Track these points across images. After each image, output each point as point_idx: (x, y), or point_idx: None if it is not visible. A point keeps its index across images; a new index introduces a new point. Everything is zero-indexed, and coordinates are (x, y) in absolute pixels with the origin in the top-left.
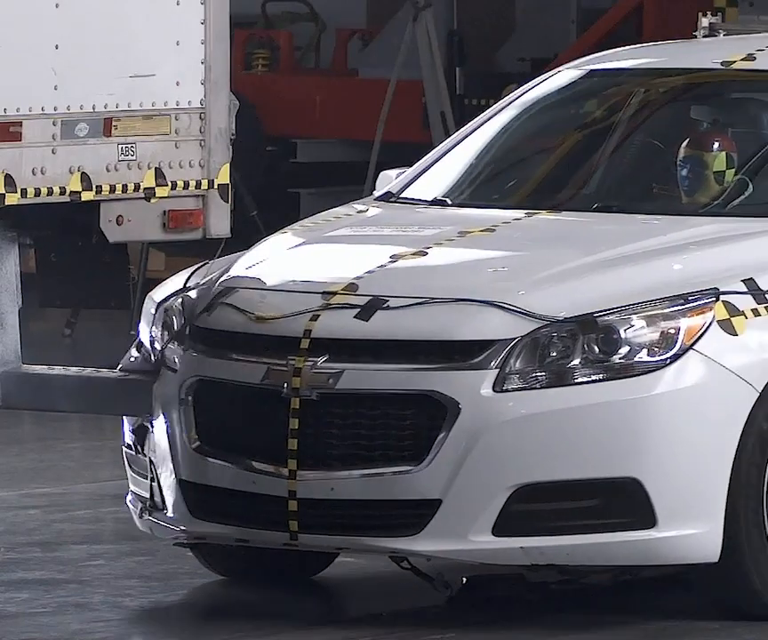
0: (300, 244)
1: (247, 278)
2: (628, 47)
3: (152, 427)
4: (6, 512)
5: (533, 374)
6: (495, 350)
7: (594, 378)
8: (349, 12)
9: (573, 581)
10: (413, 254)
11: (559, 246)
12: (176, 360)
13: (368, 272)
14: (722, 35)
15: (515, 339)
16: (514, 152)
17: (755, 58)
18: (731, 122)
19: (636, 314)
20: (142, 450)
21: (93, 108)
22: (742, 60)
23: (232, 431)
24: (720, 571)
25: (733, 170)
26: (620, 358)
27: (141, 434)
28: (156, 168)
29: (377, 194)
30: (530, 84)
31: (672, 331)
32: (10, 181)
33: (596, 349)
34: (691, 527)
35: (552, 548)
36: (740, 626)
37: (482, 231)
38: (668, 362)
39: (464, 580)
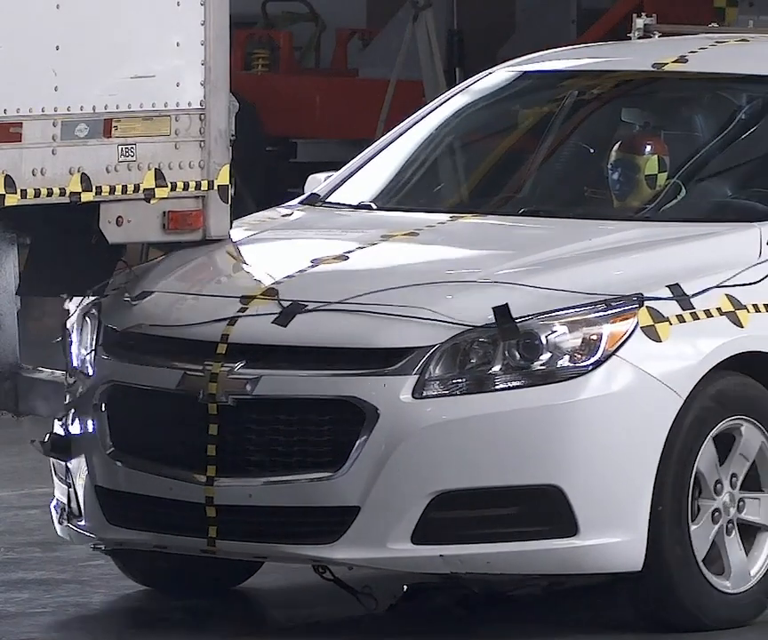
0: (220, 249)
1: (165, 282)
2: (562, 48)
3: (68, 432)
4: (6, 512)
5: (453, 380)
6: (415, 356)
7: (515, 384)
8: (349, 12)
9: (501, 594)
10: (335, 259)
11: (482, 251)
12: (91, 365)
13: (288, 277)
14: (657, 36)
15: (434, 345)
16: (442, 155)
17: (687, 60)
18: (663, 124)
19: (557, 319)
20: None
21: (93, 109)
22: (674, 62)
23: (148, 437)
24: (643, 579)
25: (665, 173)
26: (541, 364)
27: (61, 439)
28: (155, 169)
29: (302, 197)
30: (462, 84)
31: (594, 337)
32: (10, 182)
33: (517, 355)
34: (613, 536)
35: (472, 557)
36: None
37: (405, 235)
38: (590, 368)
39: (405, 588)
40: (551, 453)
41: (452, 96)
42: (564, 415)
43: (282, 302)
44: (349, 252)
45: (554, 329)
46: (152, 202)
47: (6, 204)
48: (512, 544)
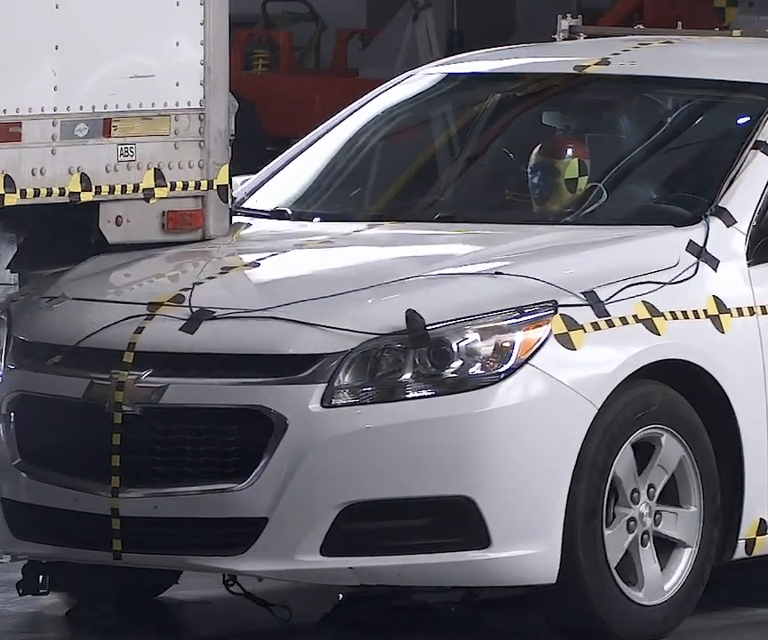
0: (130, 255)
1: (74, 289)
2: (488, 50)
3: None
4: None
5: (363, 389)
6: (324, 364)
7: (425, 393)
8: (349, 12)
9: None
10: (245, 266)
11: (395, 259)
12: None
13: (196, 283)
14: (582, 38)
15: (344, 352)
16: (362, 160)
17: (609, 62)
18: (584, 127)
19: (469, 326)
20: None
21: (93, 109)
22: (596, 64)
23: (54, 448)
24: (558, 592)
25: (586, 177)
26: (452, 372)
27: None
28: (155, 169)
29: None
30: (384, 86)
31: (507, 344)
32: (9, 182)
33: (428, 363)
34: (526, 547)
35: (382, 569)
36: (739, 626)
37: (320, 243)
38: (502, 376)
39: (340, 596)
40: (463, 464)
41: (374, 98)
42: (475, 425)
43: (189, 309)
44: (261, 259)
45: (465, 336)
46: (151, 201)
47: (6, 204)
48: (423, 556)
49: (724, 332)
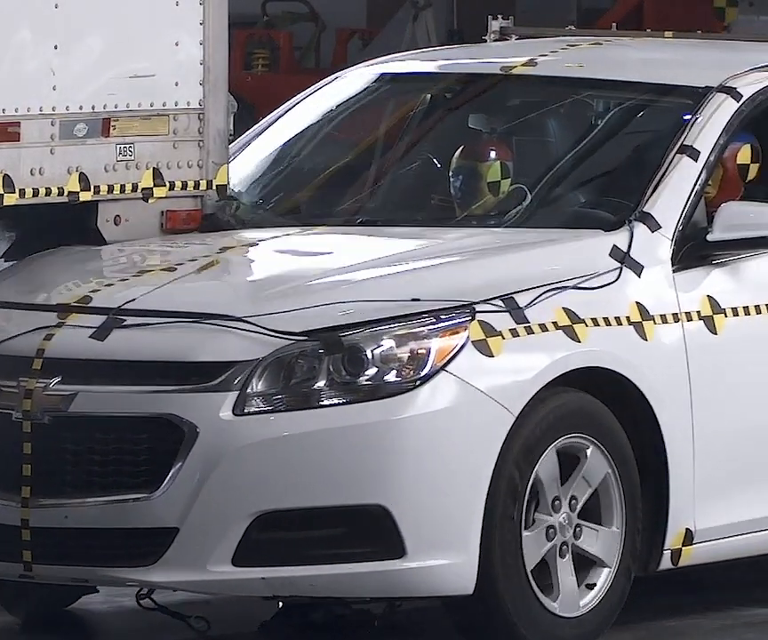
0: (46, 259)
1: None
2: (421, 50)
3: None
4: None
5: (276, 396)
6: (236, 371)
7: (340, 400)
8: (349, 12)
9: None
10: (161, 270)
11: (311, 263)
12: None
13: (107, 286)
14: (513, 39)
15: (256, 359)
16: (289, 162)
17: (536, 63)
18: (510, 130)
19: (384, 333)
20: None
21: (92, 109)
22: (523, 65)
23: None
24: (475, 603)
25: (509, 180)
26: (367, 379)
27: None
28: (154, 168)
29: None
30: (316, 85)
31: (423, 351)
32: (8, 182)
33: (343, 370)
34: (443, 557)
35: (295, 579)
36: (739, 626)
37: (243, 246)
38: (417, 383)
39: (280, 604)
40: (377, 472)
41: (305, 98)
42: (389, 432)
43: (100, 315)
44: (179, 263)
45: (380, 342)
46: (150, 201)
47: (5, 204)
48: (337, 566)
49: (647, 340)
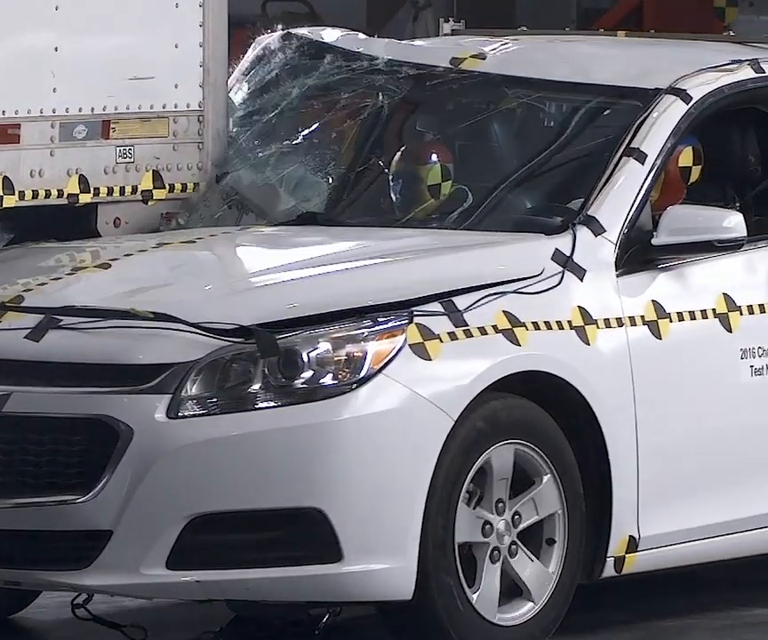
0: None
1: None
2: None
3: None
4: None
5: (211, 399)
6: (171, 374)
7: (275, 403)
8: (349, 12)
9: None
10: (96, 267)
11: (248, 263)
12: None
13: (41, 285)
14: None
15: (191, 362)
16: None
17: (485, 57)
18: (452, 131)
19: (320, 335)
20: None
21: (92, 111)
22: (472, 56)
23: None
24: (413, 609)
25: (449, 182)
26: (302, 382)
27: None
28: (153, 170)
29: None
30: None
31: (359, 354)
32: (8, 184)
33: (278, 373)
34: (380, 562)
35: (230, 583)
36: (739, 626)
37: (180, 244)
38: (354, 387)
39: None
40: (313, 475)
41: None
42: (325, 435)
43: (35, 315)
44: (113, 259)
45: (316, 345)
46: (150, 203)
47: (4, 206)
48: (273, 570)
49: (589, 344)
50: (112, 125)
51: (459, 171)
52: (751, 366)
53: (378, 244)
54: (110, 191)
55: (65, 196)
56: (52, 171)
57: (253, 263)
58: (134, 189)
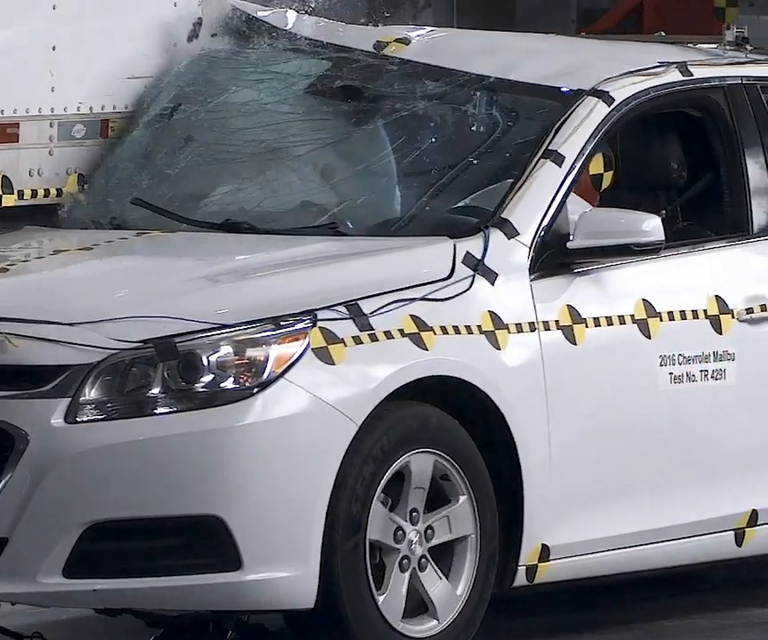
0: None
1: None
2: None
3: None
4: None
5: (110, 404)
6: (68, 378)
7: (175, 408)
8: (350, 12)
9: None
10: None
11: (150, 269)
12: None
13: None
14: None
15: (89, 365)
16: (136, 161)
17: (409, 42)
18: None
19: (221, 339)
20: None
21: (90, 110)
22: (397, 40)
23: None
24: (317, 617)
25: None
26: (202, 387)
27: None
28: None
29: None
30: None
31: (261, 358)
32: (7, 183)
33: (178, 377)
34: (281, 570)
35: (128, 591)
36: (739, 626)
37: (78, 250)
38: (255, 391)
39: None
40: (212, 482)
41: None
42: (224, 441)
43: None
44: (10, 265)
45: (217, 349)
46: None
47: (3, 205)
48: (171, 578)
49: (500, 349)
50: (110, 124)
51: (372, 171)
52: (670, 373)
53: (287, 251)
54: None
55: (64, 195)
56: (51, 170)
57: (154, 269)
58: None
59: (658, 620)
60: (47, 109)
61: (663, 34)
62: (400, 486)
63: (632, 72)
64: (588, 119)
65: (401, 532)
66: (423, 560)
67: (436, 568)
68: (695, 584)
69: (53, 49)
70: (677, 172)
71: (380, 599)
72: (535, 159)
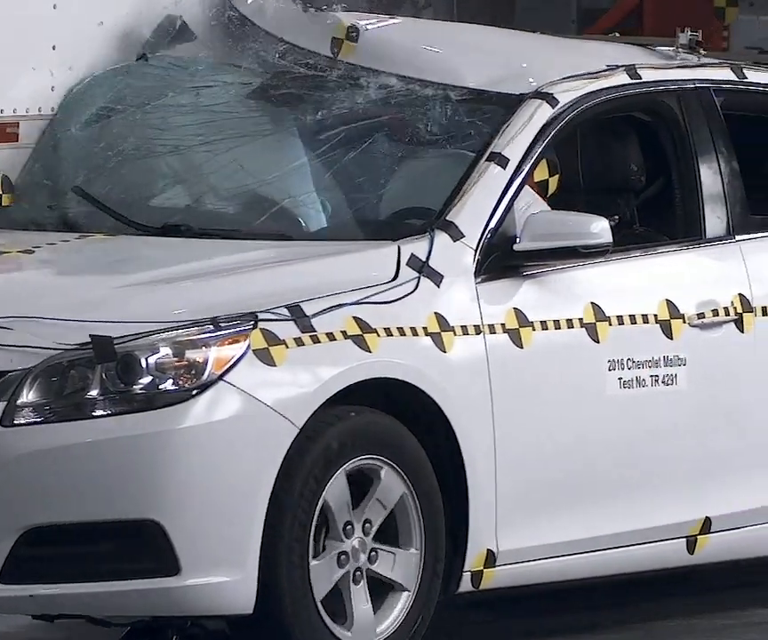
0: None
1: None
2: None
3: None
4: None
5: (48, 407)
6: (5, 381)
7: (113, 410)
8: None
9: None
10: None
11: (92, 271)
12: None
13: None
14: None
15: (26, 368)
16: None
17: (357, 38)
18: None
19: (160, 340)
20: None
21: None
22: (347, 38)
23: None
24: (256, 622)
25: None
26: (141, 389)
27: None
28: None
29: None
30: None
31: (200, 359)
32: (7, 183)
33: (116, 379)
34: (219, 575)
35: (65, 597)
36: (739, 626)
37: (20, 252)
38: (194, 393)
39: (128, 628)
40: (149, 485)
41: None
42: (162, 444)
43: None
44: None
45: (155, 351)
46: None
47: (3, 205)
48: (109, 583)
49: (445, 352)
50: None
51: (314, 175)
52: (620, 378)
53: (229, 254)
54: None
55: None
56: None
57: (94, 272)
58: None
59: (658, 620)
60: (47, 109)
61: (618, 35)
62: (325, 512)
63: (579, 75)
64: (531, 121)
65: (344, 555)
66: (373, 553)
67: (386, 548)
68: (695, 584)
69: (53, 48)
70: (636, 175)
71: (349, 635)
72: (480, 162)
